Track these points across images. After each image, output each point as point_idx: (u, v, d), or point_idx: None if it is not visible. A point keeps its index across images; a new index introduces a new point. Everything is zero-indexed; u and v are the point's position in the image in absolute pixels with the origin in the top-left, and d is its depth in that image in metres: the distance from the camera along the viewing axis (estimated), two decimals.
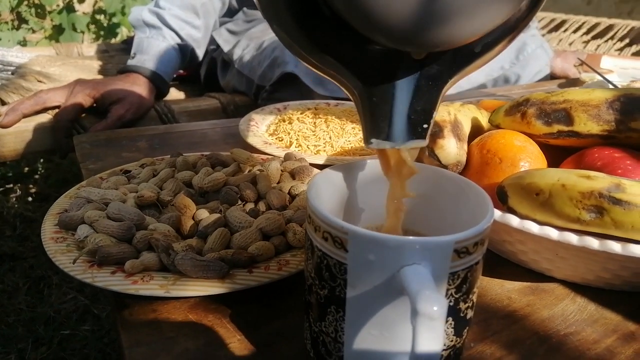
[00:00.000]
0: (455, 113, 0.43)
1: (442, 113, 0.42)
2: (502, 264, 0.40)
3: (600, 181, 0.31)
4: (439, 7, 0.20)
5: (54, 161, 1.74)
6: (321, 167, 0.54)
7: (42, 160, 1.74)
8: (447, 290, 0.25)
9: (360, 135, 0.61)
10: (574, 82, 1.00)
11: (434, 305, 0.21)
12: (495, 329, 0.34)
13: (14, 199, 1.60)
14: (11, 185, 1.65)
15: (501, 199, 0.36)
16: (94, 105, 0.84)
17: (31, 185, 1.68)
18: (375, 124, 0.26)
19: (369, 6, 0.20)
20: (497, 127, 0.44)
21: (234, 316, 0.34)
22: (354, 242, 0.24)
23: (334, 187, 0.31)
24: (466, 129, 0.43)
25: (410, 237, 0.23)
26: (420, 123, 0.26)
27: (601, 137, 0.38)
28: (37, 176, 1.73)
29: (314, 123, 0.63)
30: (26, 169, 1.73)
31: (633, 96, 0.38)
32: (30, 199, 1.62)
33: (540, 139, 0.41)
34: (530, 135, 0.41)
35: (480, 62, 0.26)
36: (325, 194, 0.30)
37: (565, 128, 0.39)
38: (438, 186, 0.31)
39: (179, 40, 0.97)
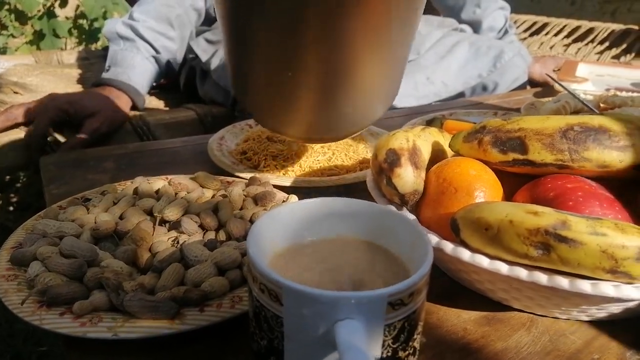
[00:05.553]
0: (415, 139, 0.43)
1: (401, 140, 0.42)
2: (460, 292, 0.40)
3: (546, 218, 0.31)
4: None
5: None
6: (287, 189, 0.54)
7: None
8: (384, 341, 0.25)
9: (330, 154, 0.61)
10: (550, 91, 1.00)
11: None
12: None
13: None
14: None
15: (454, 231, 0.36)
16: (68, 119, 0.84)
17: (12, 195, 1.66)
18: None
19: None
20: (457, 152, 0.43)
21: (186, 355, 0.34)
22: (288, 297, 0.24)
23: (281, 227, 0.31)
24: (425, 155, 0.43)
25: (343, 293, 0.23)
26: None
27: (555, 166, 0.38)
28: (18, 185, 1.71)
29: (283, 142, 0.63)
30: (7, 177, 1.70)
31: (586, 125, 0.38)
32: (11, 208, 1.60)
33: (497, 167, 0.41)
34: (487, 163, 0.41)
35: None
36: (269, 237, 0.30)
37: (520, 157, 0.39)
38: (387, 225, 0.31)
39: (153, 52, 0.96)
